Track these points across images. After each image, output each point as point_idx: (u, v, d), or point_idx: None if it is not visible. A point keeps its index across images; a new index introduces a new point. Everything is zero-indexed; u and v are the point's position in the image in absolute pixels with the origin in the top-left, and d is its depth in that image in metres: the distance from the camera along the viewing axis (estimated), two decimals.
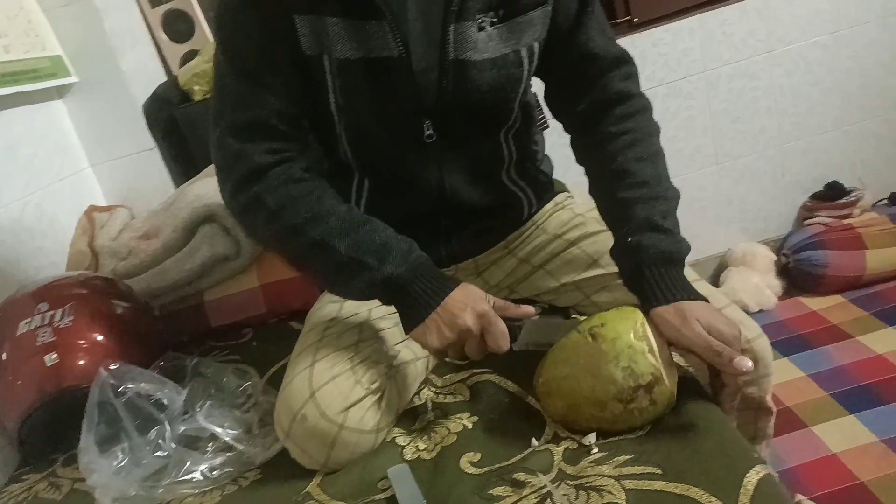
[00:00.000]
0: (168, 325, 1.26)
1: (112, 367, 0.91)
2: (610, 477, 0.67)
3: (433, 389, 0.92)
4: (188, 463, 0.84)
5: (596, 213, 0.92)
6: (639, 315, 0.73)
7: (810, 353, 1.80)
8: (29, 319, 1.03)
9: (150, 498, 0.83)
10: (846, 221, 2.07)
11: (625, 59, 0.89)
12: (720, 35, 2.00)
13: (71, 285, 1.10)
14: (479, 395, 0.89)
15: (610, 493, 0.64)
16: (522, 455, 0.75)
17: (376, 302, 0.81)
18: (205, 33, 1.66)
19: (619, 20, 1.97)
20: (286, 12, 0.77)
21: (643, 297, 0.76)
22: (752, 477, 0.62)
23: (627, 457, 0.69)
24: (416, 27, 0.79)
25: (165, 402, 0.88)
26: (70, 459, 1.00)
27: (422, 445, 0.81)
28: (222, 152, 0.81)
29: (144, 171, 1.59)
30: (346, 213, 0.80)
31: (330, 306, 0.94)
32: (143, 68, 1.63)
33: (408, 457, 0.80)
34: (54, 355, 1.00)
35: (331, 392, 0.79)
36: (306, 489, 0.79)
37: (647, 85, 2.05)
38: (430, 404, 0.89)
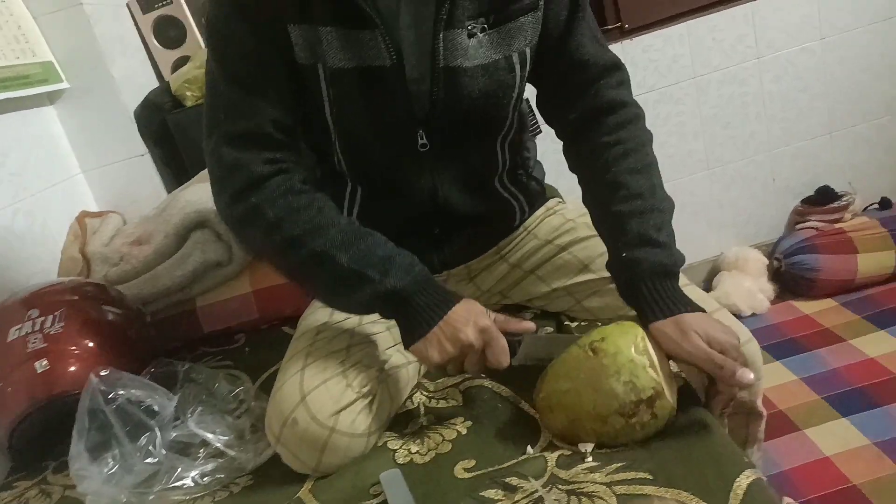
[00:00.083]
0: (160, 331, 1.25)
1: (103, 373, 0.90)
2: (602, 483, 0.67)
3: (426, 394, 0.92)
4: (179, 469, 0.84)
5: (587, 219, 0.92)
6: (639, 329, 0.73)
7: (803, 356, 1.80)
8: (19, 326, 1.02)
9: None
10: (837, 226, 2.09)
11: (616, 66, 0.89)
12: (710, 41, 2.02)
13: (62, 291, 1.09)
14: (473, 399, 0.88)
15: (601, 498, 0.65)
16: (517, 461, 0.75)
17: (373, 315, 0.81)
18: (196, 39, 1.66)
19: (609, 27, 1.99)
20: (279, 22, 0.77)
21: (641, 312, 0.76)
22: (742, 481, 0.63)
23: (620, 464, 0.69)
24: (408, 36, 0.80)
25: (156, 408, 0.87)
26: (61, 466, 1.00)
27: (414, 448, 0.81)
28: (218, 162, 0.80)
29: (136, 176, 1.58)
30: (348, 226, 0.79)
31: (321, 311, 0.94)
32: (134, 74, 1.63)
33: (400, 460, 0.80)
34: (45, 362, 1.00)
35: (321, 396, 0.79)
36: (297, 495, 0.79)
37: (637, 91, 2.07)
38: (422, 408, 0.89)
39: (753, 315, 2.05)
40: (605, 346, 0.71)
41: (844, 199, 2.13)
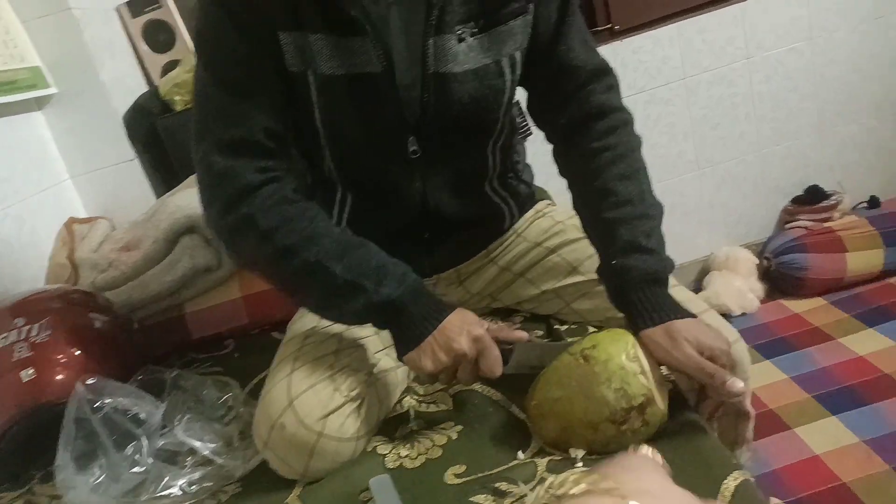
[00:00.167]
0: (149, 337, 1.24)
1: (89, 381, 0.90)
2: None
3: (416, 398, 0.92)
4: (166, 478, 0.83)
5: (576, 221, 0.92)
6: (630, 336, 0.73)
7: (792, 355, 1.81)
8: (5, 335, 1.01)
9: None
10: (826, 225, 2.10)
11: (605, 71, 0.89)
12: (699, 42, 2.03)
13: (48, 299, 1.09)
14: (464, 404, 0.88)
15: None
16: (507, 466, 0.75)
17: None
18: (186, 43, 1.66)
19: (599, 28, 1.99)
20: (270, 29, 0.76)
21: (631, 320, 0.76)
22: (730, 483, 0.63)
23: None
24: (399, 42, 0.79)
25: (143, 416, 0.87)
26: (48, 476, 0.99)
27: (404, 453, 0.81)
28: (208, 171, 0.79)
29: (125, 182, 1.57)
30: (341, 235, 0.79)
31: (310, 316, 0.94)
32: (123, 79, 1.62)
33: (390, 465, 0.80)
34: (31, 371, 0.99)
35: (309, 400, 0.78)
36: (286, 501, 0.78)
37: (628, 92, 2.08)
38: (412, 413, 0.89)
39: (743, 314, 2.06)
40: (596, 354, 0.71)
41: (833, 198, 2.15)
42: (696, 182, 2.19)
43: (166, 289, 1.24)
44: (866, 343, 1.77)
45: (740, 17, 2.02)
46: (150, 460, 0.84)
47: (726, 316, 2.03)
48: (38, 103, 1.54)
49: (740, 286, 2.07)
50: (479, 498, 0.70)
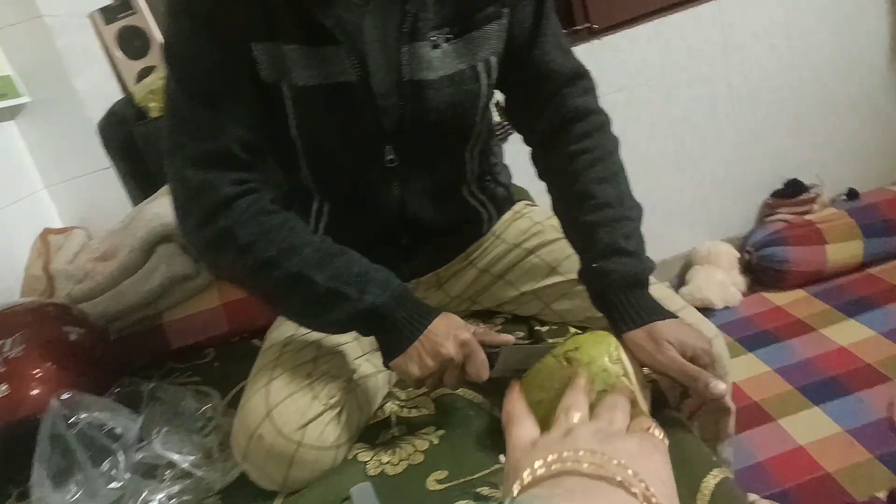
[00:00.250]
0: (127, 347, 1.23)
1: (64, 396, 0.88)
2: None
3: (397, 403, 0.91)
4: (145, 493, 0.82)
5: (554, 221, 0.92)
6: (612, 339, 0.73)
7: (775, 347, 1.83)
8: None
9: None
10: (806, 217, 2.12)
11: (581, 74, 0.88)
12: (678, 41, 2.04)
13: (21, 313, 1.07)
14: (445, 408, 0.88)
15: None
16: (489, 471, 0.74)
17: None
18: (161, 49, 1.64)
19: (578, 27, 2.00)
20: (242, 40, 0.75)
21: (613, 322, 0.76)
22: (710, 481, 0.63)
23: None
24: (374, 50, 0.78)
25: (119, 430, 0.85)
26: (25, 494, 0.97)
27: (385, 459, 0.80)
28: (182, 185, 0.77)
29: (101, 190, 1.55)
30: (321, 244, 0.78)
31: (289, 323, 0.93)
32: (98, 86, 1.60)
33: (371, 472, 0.79)
34: (5, 387, 0.97)
35: (287, 409, 0.77)
36: None
37: (607, 91, 2.09)
38: (394, 418, 0.89)
39: (726, 308, 2.07)
40: (578, 356, 0.71)
41: (813, 191, 2.17)
42: (678, 178, 2.20)
43: (144, 298, 1.22)
44: (848, 333, 1.79)
45: (718, 15, 2.03)
46: (128, 475, 0.83)
47: (709, 310, 2.05)
48: (11, 113, 1.51)
49: (722, 280, 2.09)
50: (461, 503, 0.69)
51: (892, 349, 1.67)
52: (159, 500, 0.82)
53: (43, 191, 1.56)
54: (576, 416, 0.50)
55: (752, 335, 1.91)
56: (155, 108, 1.55)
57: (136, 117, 1.54)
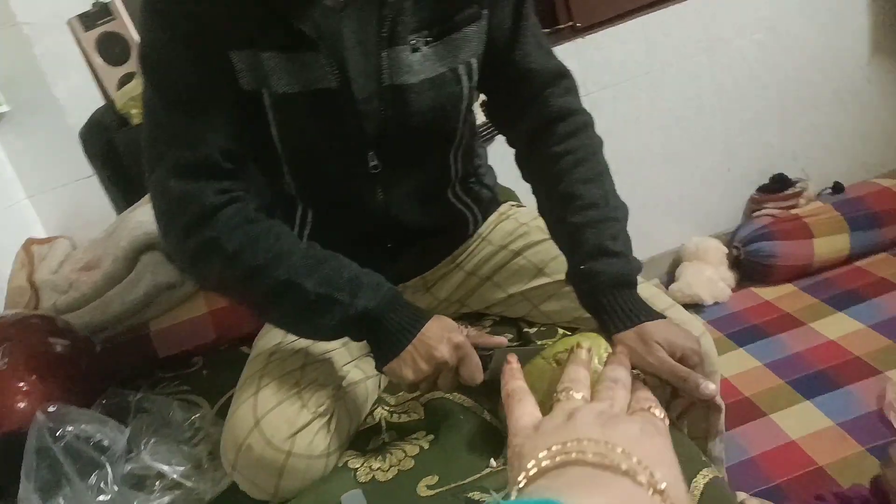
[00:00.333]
0: (113, 358, 1.21)
1: (50, 409, 0.87)
2: None
3: (387, 408, 0.91)
4: None
5: (540, 222, 0.91)
6: (602, 340, 0.73)
7: (765, 342, 1.84)
8: None
9: None
10: (793, 212, 2.13)
11: (563, 74, 0.88)
12: (661, 37, 2.04)
13: (5, 326, 1.05)
14: (435, 412, 0.87)
15: None
16: (480, 475, 0.74)
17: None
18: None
19: (561, 26, 2.00)
20: (219, 48, 0.74)
21: (602, 324, 0.76)
22: (700, 481, 0.63)
23: None
24: (353, 56, 0.78)
25: (106, 442, 0.84)
26: None
27: (376, 465, 0.80)
28: (164, 196, 0.76)
29: (84, 199, 1.54)
30: (309, 250, 0.77)
31: (276, 331, 0.92)
32: (78, 94, 1.58)
33: (362, 479, 0.78)
34: None
35: (276, 419, 0.77)
36: None
37: (593, 88, 2.09)
38: (384, 424, 0.88)
39: (716, 304, 2.08)
40: None
41: (798, 185, 2.18)
42: (664, 175, 2.21)
43: (129, 308, 1.21)
44: (837, 327, 1.80)
45: (701, 11, 2.03)
46: (116, 488, 0.82)
47: (699, 306, 2.06)
48: None
49: (711, 276, 2.09)
50: None
51: (881, 341, 1.69)
52: None
53: (25, 200, 1.55)
54: (577, 396, 0.50)
55: (741, 330, 1.92)
56: (136, 114, 1.53)
57: (117, 124, 1.53)
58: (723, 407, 0.92)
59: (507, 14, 0.83)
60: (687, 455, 0.68)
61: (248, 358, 0.94)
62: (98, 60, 1.63)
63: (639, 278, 0.83)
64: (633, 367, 0.73)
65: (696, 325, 0.86)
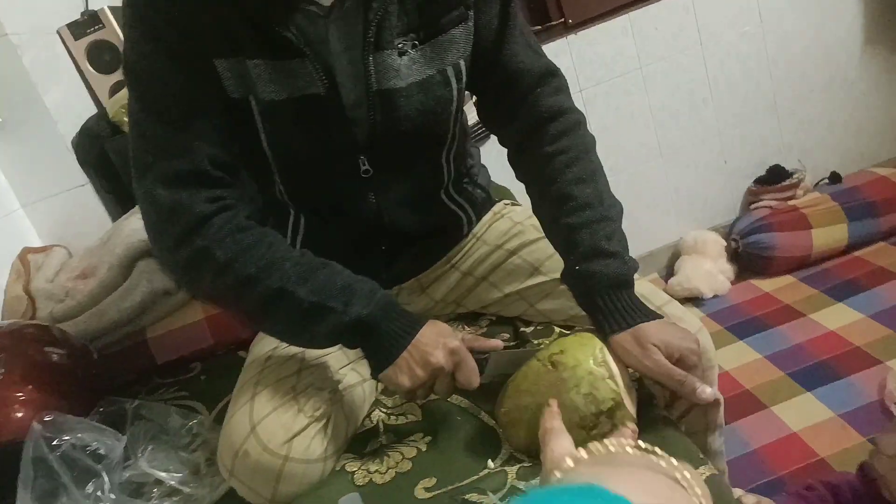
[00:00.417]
0: (111, 365, 1.21)
1: (46, 418, 0.87)
2: None
3: (384, 410, 0.90)
4: None
5: (534, 221, 0.91)
6: (597, 341, 0.73)
7: (765, 334, 1.83)
8: None
9: None
10: (790, 203, 2.13)
11: (552, 73, 0.87)
12: (652, 31, 2.04)
13: (0, 336, 1.05)
14: (432, 414, 0.87)
15: None
16: (478, 476, 0.74)
17: None
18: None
19: (553, 23, 2.00)
20: (205, 57, 0.73)
21: (599, 325, 0.75)
22: None
23: None
24: (340, 61, 0.77)
25: (103, 451, 0.84)
26: None
27: (373, 468, 0.79)
28: (154, 206, 0.75)
29: (79, 207, 1.53)
30: (302, 258, 0.76)
31: (270, 337, 0.92)
32: (70, 103, 1.57)
33: (359, 482, 0.78)
34: None
35: (272, 424, 0.76)
36: None
37: (587, 85, 2.09)
38: (381, 426, 0.88)
39: (715, 297, 2.08)
40: (564, 359, 0.71)
41: (795, 176, 2.18)
42: (661, 169, 2.20)
43: (126, 315, 1.20)
44: (836, 317, 1.80)
45: (691, 4, 2.03)
46: (113, 496, 0.81)
47: (698, 299, 2.06)
48: None
49: (710, 269, 2.09)
50: None
51: (881, 331, 1.68)
52: None
53: (19, 210, 1.54)
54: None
55: (741, 323, 1.92)
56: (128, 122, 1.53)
57: (110, 132, 1.52)
58: (721, 400, 0.91)
59: (493, 14, 0.83)
60: (685, 452, 0.68)
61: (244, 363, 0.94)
62: (89, 69, 1.62)
63: (635, 276, 0.83)
64: (630, 370, 0.73)
65: (692, 320, 0.86)
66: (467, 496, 0.70)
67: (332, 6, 0.75)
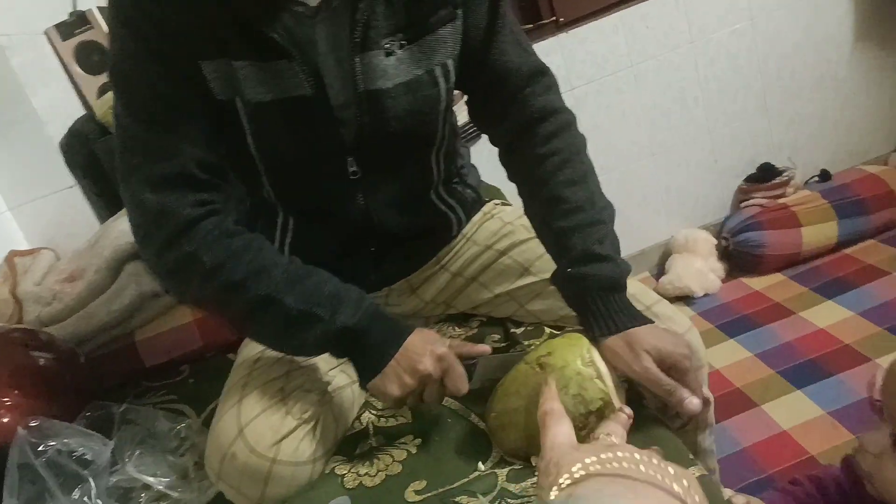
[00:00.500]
0: (99, 369, 1.20)
1: (31, 424, 0.86)
2: None
3: (374, 412, 0.90)
4: None
5: (525, 221, 0.91)
6: (585, 341, 0.72)
7: (755, 332, 1.84)
8: None
9: None
10: (781, 201, 2.14)
11: (542, 72, 0.87)
12: (643, 30, 2.04)
13: None
14: (422, 415, 0.87)
15: None
16: (468, 479, 0.73)
17: None
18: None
19: (544, 21, 2.00)
20: (191, 59, 0.73)
21: (590, 329, 0.75)
22: None
23: None
24: (327, 62, 0.76)
25: (89, 456, 0.83)
26: None
27: (363, 471, 0.79)
28: (140, 209, 0.74)
29: (67, 210, 1.52)
30: (290, 265, 0.76)
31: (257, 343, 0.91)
32: (58, 104, 1.56)
33: (349, 485, 0.78)
34: None
35: (260, 426, 0.76)
36: None
37: (578, 83, 2.09)
38: (371, 428, 0.87)
39: (706, 295, 2.08)
40: (552, 361, 0.71)
41: (785, 174, 2.19)
42: (651, 168, 2.21)
43: (114, 318, 1.20)
44: (826, 315, 1.81)
45: (682, 2, 2.04)
46: (100, 502, 0.81)
47: (689, 298, 2.06)
48: None
49: (701, 267, 2.10)
50: None
51: (870, 329, 1.69)
52: None
53: (6, 212, 1.52)
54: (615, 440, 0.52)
55: (732, 321, 1.92)
56: None
57: (98, 134, 1.51)
58: (712, 399, 0.91)
59: (482, 13, 0.82)
60: (675, 453, 0.68)
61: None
62: (77, 70, 1.61)
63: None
64: (619, 375, 0.73)
65: (682, 320, 0.86)
66: (457, 499, 0.70)
67: (319, 6, 0.74)
